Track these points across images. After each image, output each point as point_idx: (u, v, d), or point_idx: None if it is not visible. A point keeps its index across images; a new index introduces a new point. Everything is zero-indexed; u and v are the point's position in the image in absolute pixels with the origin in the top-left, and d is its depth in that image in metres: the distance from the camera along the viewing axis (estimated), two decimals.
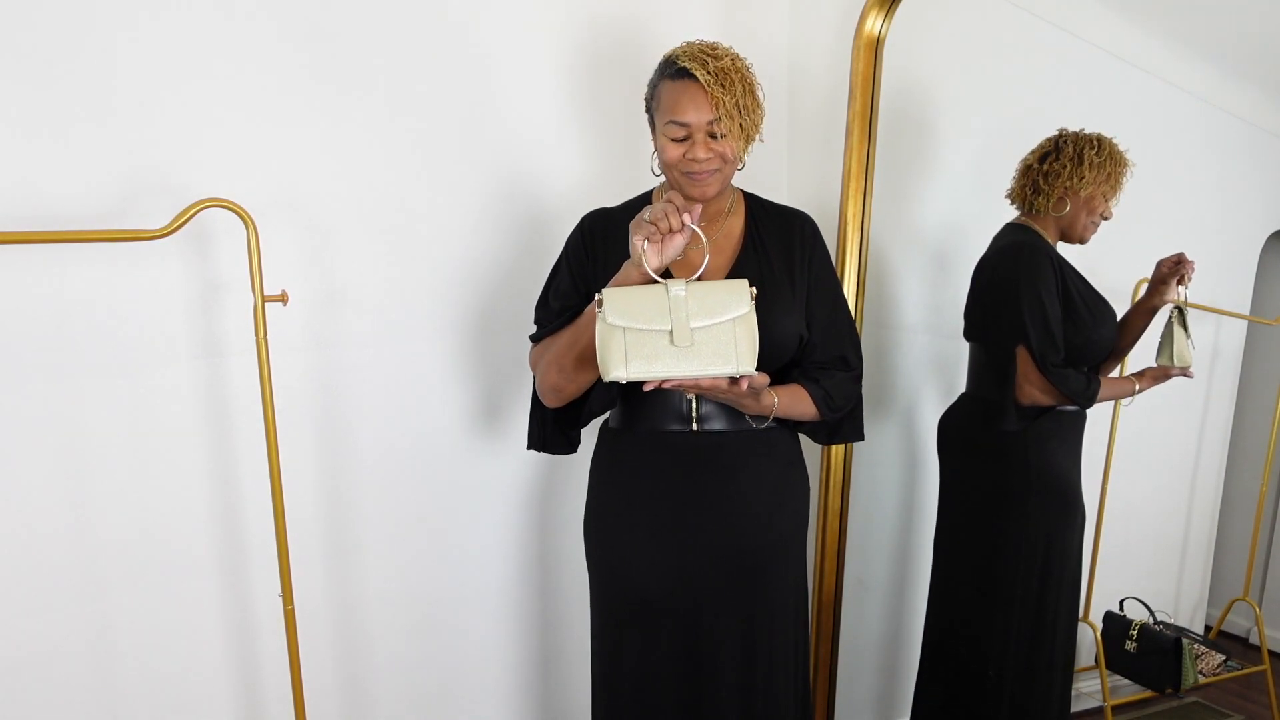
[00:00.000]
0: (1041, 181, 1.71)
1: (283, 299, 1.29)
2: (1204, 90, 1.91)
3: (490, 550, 1.76)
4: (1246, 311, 2.04)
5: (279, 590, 1.36)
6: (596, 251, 1.36)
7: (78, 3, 1.22)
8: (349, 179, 1.48)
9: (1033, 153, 1.74)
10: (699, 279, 1.16)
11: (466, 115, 1.59)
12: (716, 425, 1.33)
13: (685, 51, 1.26)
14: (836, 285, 1.41)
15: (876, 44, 1.75)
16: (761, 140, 1.30)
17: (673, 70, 1.26)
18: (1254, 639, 2.14)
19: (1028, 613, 1.77)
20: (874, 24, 1.74)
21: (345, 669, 1.62)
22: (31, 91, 1.20)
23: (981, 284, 1.80)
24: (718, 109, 1.22)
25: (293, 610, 1.36)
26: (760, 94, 1.28)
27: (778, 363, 1.33)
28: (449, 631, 1.74)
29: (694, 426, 1.33)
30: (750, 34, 1.93)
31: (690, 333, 1.12)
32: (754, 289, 1.15)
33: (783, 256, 1.36)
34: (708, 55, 1.24)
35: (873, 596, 2.12)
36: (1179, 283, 1.76)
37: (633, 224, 1.17)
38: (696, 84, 1.22)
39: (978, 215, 2.00)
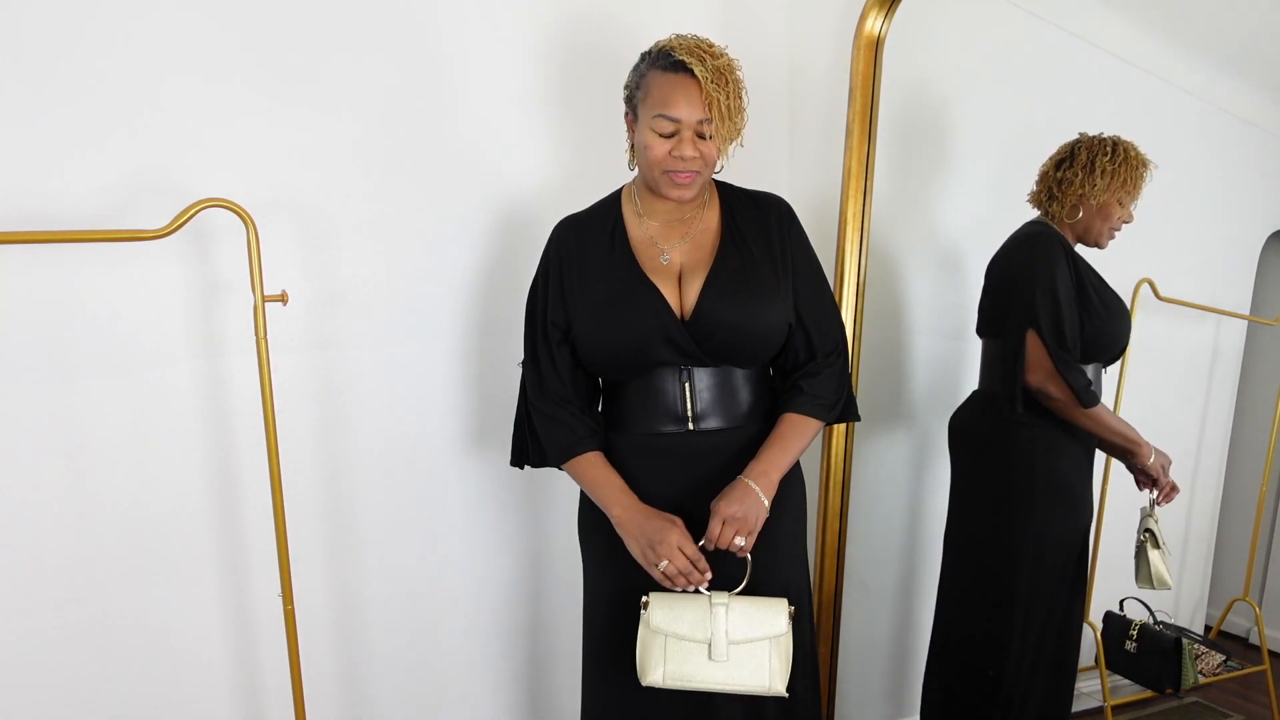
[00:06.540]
0: (1056, 189, 1.68)
1: (283, 299, 1.29)
2: (1204, 90, 1.91)
3: (489, 550, 1.76)
4: (1246, 311, 2.04)
5: (279, 590, 1.37)
6: (572, 264, 1.34)
7: (77, 2, 1.22)
8: (349, 179, 1.48)
9: (1050, 158, 1.71)
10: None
11: (467, 116, 1.58)
12: (712, 423, 1.32)
13: (681, 44, 1.21)
14: (817, 267, 1.38)
15: (876, 44, 1.75)
16: (741, 145, 1.28)
17: (667, 62, 1.21)
18: (1254, 639, 2.14)
19: (1034, 614, 1.76)
20: (874, 24, 1.74)
21: (345, 669, 1.62)
22: (31, 92, 1.20)
23: (995, 277, 1.77)
24: (710, 108, 1.19)
25: (293, 610, 1.36)
26: (746, 100, 1.25)
27: (768, 354, 1.33)
28: (448, 631, 1.74)
29: (690, 426, 1.31)
30: (750, 34, 1.93)
31: (727, 648, 1.18)
32: (793, 607, 1.22)
33: (763, 246, 1.33)
34: (705, 52, 1.20)
35: (873, 596, 2.12)
36: (1155, 492, 1.74)
37: (643, 558, 1.23)
38: (692, 79, 1.19)
39: (980, 215, 2.01)
